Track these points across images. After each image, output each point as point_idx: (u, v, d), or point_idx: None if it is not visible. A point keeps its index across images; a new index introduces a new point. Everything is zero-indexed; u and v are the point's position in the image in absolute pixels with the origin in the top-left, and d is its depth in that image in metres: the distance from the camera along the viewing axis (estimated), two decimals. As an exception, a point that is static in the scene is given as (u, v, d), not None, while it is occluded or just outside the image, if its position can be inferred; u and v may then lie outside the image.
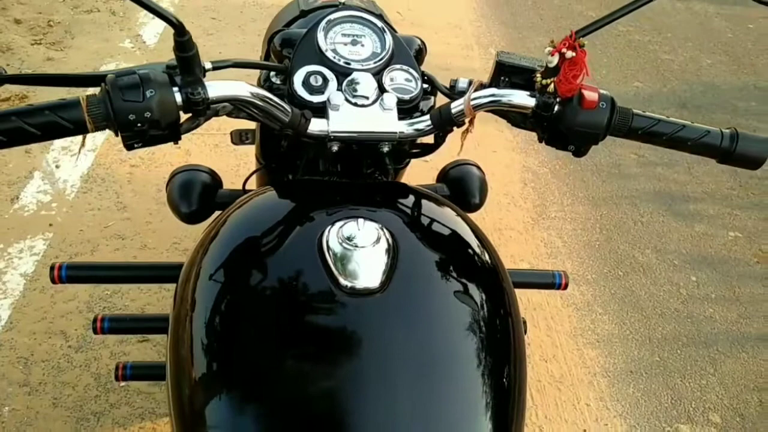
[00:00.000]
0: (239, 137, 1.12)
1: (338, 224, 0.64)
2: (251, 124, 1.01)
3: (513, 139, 2.61)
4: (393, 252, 0.63)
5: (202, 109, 0.65)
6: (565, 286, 0.98)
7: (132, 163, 2.14)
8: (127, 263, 0.94)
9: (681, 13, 4.19)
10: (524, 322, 1.01)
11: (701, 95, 3.22)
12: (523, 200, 2.31)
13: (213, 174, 0.93)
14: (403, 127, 0.75)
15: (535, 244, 2.13)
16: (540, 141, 0.77)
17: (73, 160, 2.10)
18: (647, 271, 2.11)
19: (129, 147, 0.64)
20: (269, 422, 0.56)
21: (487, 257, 0.75)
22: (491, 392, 0.62)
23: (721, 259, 2.21)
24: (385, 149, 0.76)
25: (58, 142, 2.19)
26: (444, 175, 1.00)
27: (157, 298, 1.70)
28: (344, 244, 0.61)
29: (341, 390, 0.56)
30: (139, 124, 0.61)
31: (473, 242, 0.75)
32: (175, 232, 1.88)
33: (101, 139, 2.22)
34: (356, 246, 0.61)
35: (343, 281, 0.60)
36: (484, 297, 0.69)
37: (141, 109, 0.60)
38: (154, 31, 2.88)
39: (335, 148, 0.74)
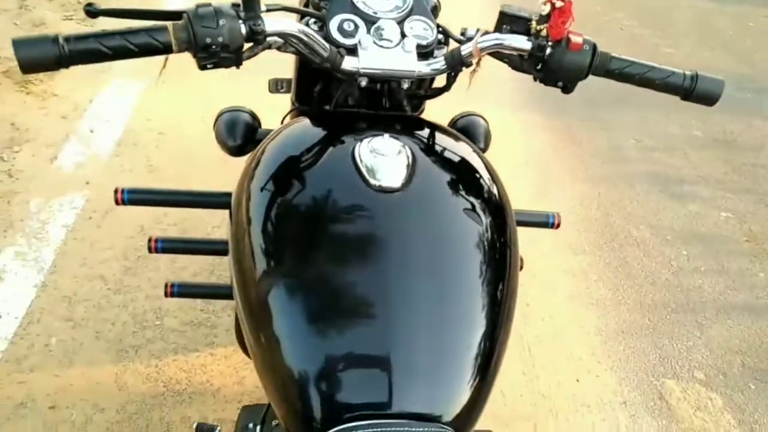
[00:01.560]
0: (275, 86, 1.26)
1: (367, 140, 0.78)
2: (287, 74, 1.16)
3: (517, 120, 2.75)
4: (412, 163, 0.77)
5: (261, 39, 0.79)
6: (558, 226, 1.11)
7: (159, 131, 2.29)
8: (182, 190, 1.07)
9: (684, 11, 4.33)
10: (521, 260, 1.15)
11: (700, 88, 3.35)
12: (525, 178, 2.45)
13: (253, 115, 1.07)
14: (422, 67, 0.89)
15: (537, 217, 2.27)
16: (534, 80, 0.91)
17: (105, 128, 2.24)
18: (641, 245, 2.25)
19: (202, 67, 0.78)
20: (321, 296, 0.70)
21: (494, 185, 0.88)
22: (486, 283, 0.76)
23: (712, 237, 2.35)
24: (405, 86, 0.90)
25: (91, 112, 2.34)
26: (453, 125, 1.14)
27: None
28: (373, 154, 0.76)
29: (372, 260, 0.71)
30: (212, 47, 0.75)
31: (482, 169, 0.89)
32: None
33: (129, 112, 2.37)
34: (382, 155, 0.75)
35: (372, 182, 0.74)
36: (486, 210, 0.82)
37: (215, 35, 0.74)
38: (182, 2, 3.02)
39: (364, 83, 0.88)
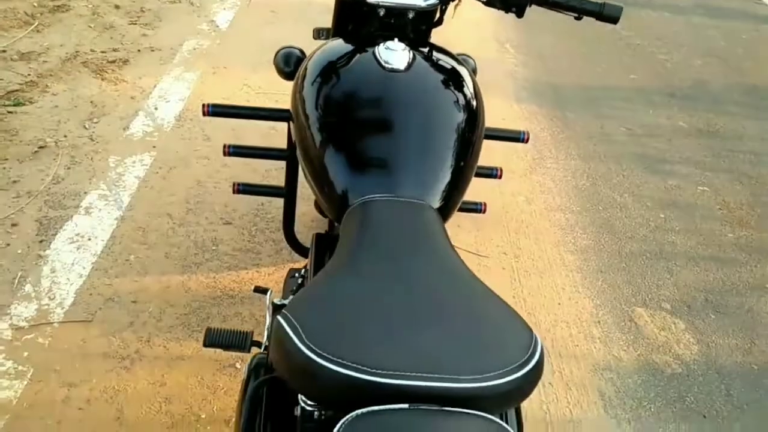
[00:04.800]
0: (318, 34, 1.65)
1: (383, 43, 1.16)
2: (327, 24, 1.55)
3: (520, 111, 3.13)
4: (413, 57, 1.15)
5: None
6: (527, 140, 1.47)
7: (212, 111, 2.71)
8: (251, 106, 1.45)
9: (680, 25, 4.69)
10: (500, 170, 1.52)
11: (689, 89, 3.70)
12: (524, 154, 2.81)
13: (302, 50, 1.46)
14: (421, 1, 1.27)
15: (532, 185, 2.63)
16: (486, 5, 1.26)
17: (167, 106, 2.67)
18: (623, 209, 2.58)
19: None
20: (350, 128, 1.08)
21: (472, 86, 1.25)
22: (460, 127, 1.13)
23: (689, 205, 2.68)
24: (410, 15, 1.28)
25: (155, 94, 2.77)
26: None
27: (239, 200, 2.24)
28: (387, 50, 1.14)
29: (385, 110, 1.09)
30: None
31: (467, 76, 1.26)
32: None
33: (187, 94, 2.80)
34: (393, 50, 1.14)
35: (385, 66, 1.12)
36: (463, 92, 1.19)
37: None
38: (225, 19, 3.49)
39: (382, 12, 1.26)
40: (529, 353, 0.74)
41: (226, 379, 1.64)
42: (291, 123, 1.33)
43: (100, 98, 2.69)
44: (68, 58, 2.95)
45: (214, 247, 2.04)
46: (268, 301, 1.31)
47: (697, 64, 4.06)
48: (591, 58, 3.91)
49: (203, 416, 1.54)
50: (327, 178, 1.07)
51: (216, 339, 1.24)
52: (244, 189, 1.52)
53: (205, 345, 1.24)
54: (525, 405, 1.70)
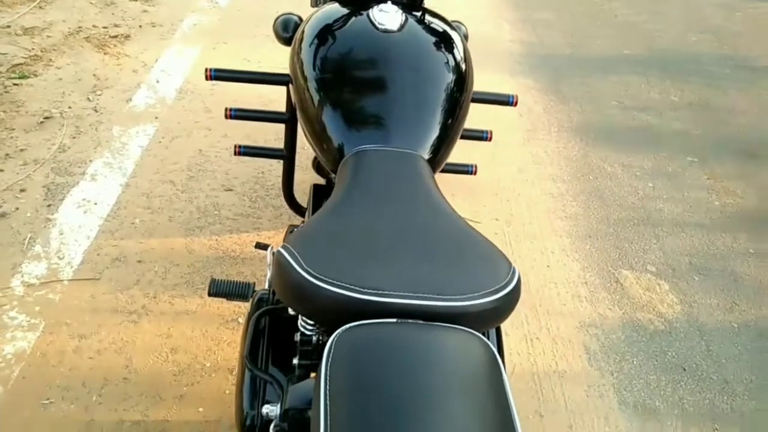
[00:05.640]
0: (315, 2, 1.71)
1: (377, 7, 1.23)
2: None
3: (516, 85, 3.19)
4: (406, 18, 1.22)
5: None
6: (516, 104, 1.54)
7: (212, 83, 2.77)
8: (252, 70, 1.51)
9: (675, 1, 4.73)
10: (490, 132, 1.59)
11: (683, 63, 3.75)
12: (518, 126, 2.88)
13: (299, 16, 1.52)
14: None
15: (524, 155, 2.70)
16: None
17: (168, 79, 2.73)
18: (613, 178, 2.66)
19: None
20: (347, 83, 1.15)
21: (462, 48, 1.32)
22: (449, 84, 1.20)
23: (677, 174, 2.75)
24: None
25: (157, 68, 2.84)
26: None
27: (240, 168, 2.31)
28: (380, 12, 1.21)
29: (379, 67, 1.16)
30: None
31: (457, 39, 1.33)
32: (246, 129, 2.49)
33: (188, 68, 2.86)
34: (386, 12, 1.20)
35: (379, 26, 1.19)
36: (453, 51, 1.26)
37: None
38: (225, -5, 3.54)
39: None
40: (508, 279, 0.82)
41: (229, 333, 1.72)
42: (290, 86, 1.40)
43: (102, 72, 2.75)
44: (71, 33, 3.01)
45: (216, 212, 2.11)
46: (269, 255, 1.39)
47: (692, 41, 4.11)
48: (586, 33, 3.95)
49: (208, 365, 1.62)
50: (325, 133, 1.14)
51: (220, 289, 1.32)
52: (245, 151, 1.60)
53: (210, 294, 1.32)
54: (513, 359, 1.79)
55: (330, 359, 0.68)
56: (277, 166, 2.34)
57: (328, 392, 0.64)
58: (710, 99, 3.39)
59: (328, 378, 0.66)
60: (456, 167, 1.59)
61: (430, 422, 0.60)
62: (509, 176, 2.56)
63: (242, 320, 1.76)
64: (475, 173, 1.63)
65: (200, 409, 1.52)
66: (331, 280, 0.76)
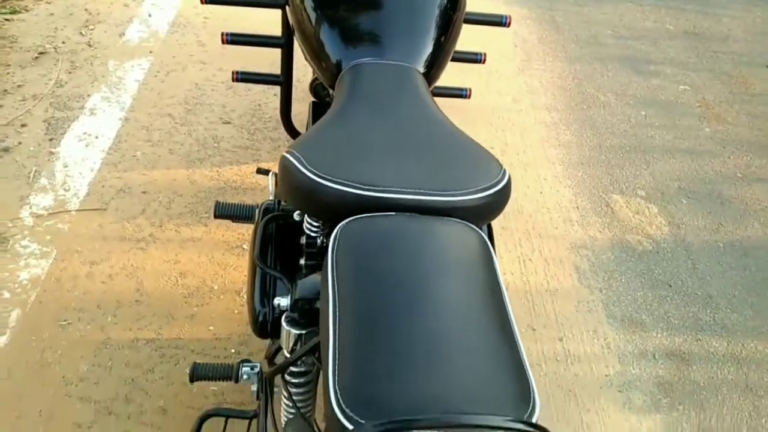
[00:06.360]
0: None
1: None
2: None
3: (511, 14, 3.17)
4: None
5: None
6: (509, 24, 1.56)
7: (204, 16, 2.75)
8: None
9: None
10: (484, 55, 1.61)
11: (679, -8, 3.72)
12: (513, 56, 2.88)
13: None
14: None
15: (519, 85, 2.71)
16: None
17: (160, 13, 2.71)
18: (606, 107, 2.69)
19: None
20: (345, 15, 1.17)
21: None
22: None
23: (670, 103, 2.78)
24: None
25: (148, 2, 2.80)
26: None
27: (237, 101, 2.33)
28: None
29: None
30: None
31: None
32: (239, 61, 2.49)
33: (179, 2, 2.83)
34: None
35: None
36: None
37: None
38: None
39: None
40: (499, 178, 0.87)
41: (234, 258, 1.79)
42: (286, 9, 1.41)
43: (94, 6, 2.72)
44: (58, -33, 2.94)
45: (215, 145, 2.15)
46: (270, 179, 1.44)
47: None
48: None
49: (216, 288, 1.70)
50: (323, 50, 1.17)
51: (225, 211, 1.37)
52: (242, 77, 1.62)
53: (216, 216, 1.37)
54: (506, 278, 1.87)
55: (336, 247, 0.74)
56: (273, 99, 2.36)
57: (335, 275, 0.70)
58: (705, 27, 3.38)
59: (334, 263, 0.72)
60: (450, 91, 1.62)
61: (429, 298, 0.66)
62: (504, 106, 2.58)
63: (246, 246, 1.83)
64: (469, 97, 1.66)
65: (211, 328, 1.60)
66: (333, 178, 0.81)
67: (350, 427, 0.54)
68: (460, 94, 1.65)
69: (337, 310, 0.66)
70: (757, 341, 1.82)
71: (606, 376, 1.67)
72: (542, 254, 1.97)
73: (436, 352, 0.60)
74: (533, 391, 0.60)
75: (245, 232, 1.88)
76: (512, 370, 0.61)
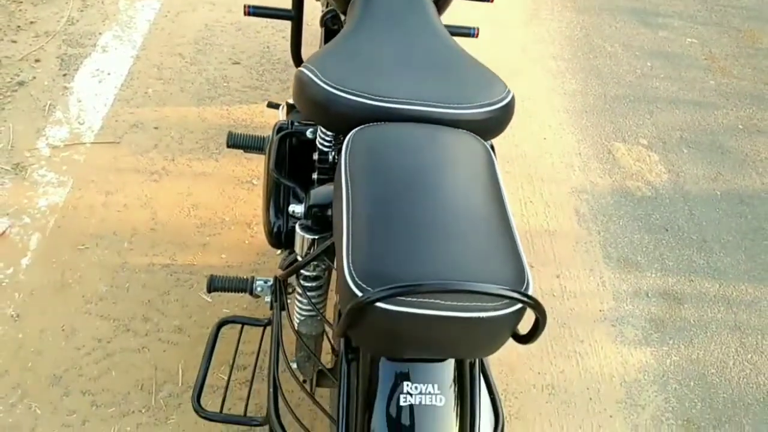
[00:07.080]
0: None
1: None
2: None
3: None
4: None
5: None
6: None
7: (214, -41, 2.75)
8: None
9: None
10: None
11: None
12: (522, 7, 2.88)
13: None
14: None
15: (527, 35, 2.72)
16: None
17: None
18: (613, 57, 2.70)
19: None
20: None
21: None
22: None
23: (676, 55, 2.79)
24: None
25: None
26: None
27: (246, 43, 2.35)
28: None
29: None
30: None
31: None
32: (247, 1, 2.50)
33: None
34: None
35: None
36: None
37: None
38: None
39: None
40: (503, 95, 0.92)
41: (244, 192, 1.85)
42: None
43: (103, -55, 2.72)
44: None
45: (225, 84, 2.18)
46: (281, 111, 1.48)
47: None
48: None
49: (227, 219, 1.76)
50: None
51: (238, 141, 1.42)
52: (254, 11, 1.64)
53: (228, 146, 1.42)
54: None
55: (349, 149, 0.79)
56: (282, 42, 2.38)
57: (348, 170, 0.76)
58: (716, -19, 3.36)
59: (348, 162, 0.77)
60: (458, 29, 1.65)
61: (435, 189, 0.72)
62: (512, 55, 2.60)
63: (256, 182, 1.89)
64: (476, 36, 1.69)
65: (223, 256, 1.67)
66: (347, 89, 0.86)
67: (360, 294, 0.61)
68: (468, 32, 1.67)
69: (350, 199, 0.72)
70: (747, 284, 1.89)
71: (600, 311, 1.74)
72: (543, 197, 2.03)
73: (439, 235, 0.66)
74: (527, 273, 0.66)
75: (255, 167, 1.93)
76: (509, 254, 0.67)
